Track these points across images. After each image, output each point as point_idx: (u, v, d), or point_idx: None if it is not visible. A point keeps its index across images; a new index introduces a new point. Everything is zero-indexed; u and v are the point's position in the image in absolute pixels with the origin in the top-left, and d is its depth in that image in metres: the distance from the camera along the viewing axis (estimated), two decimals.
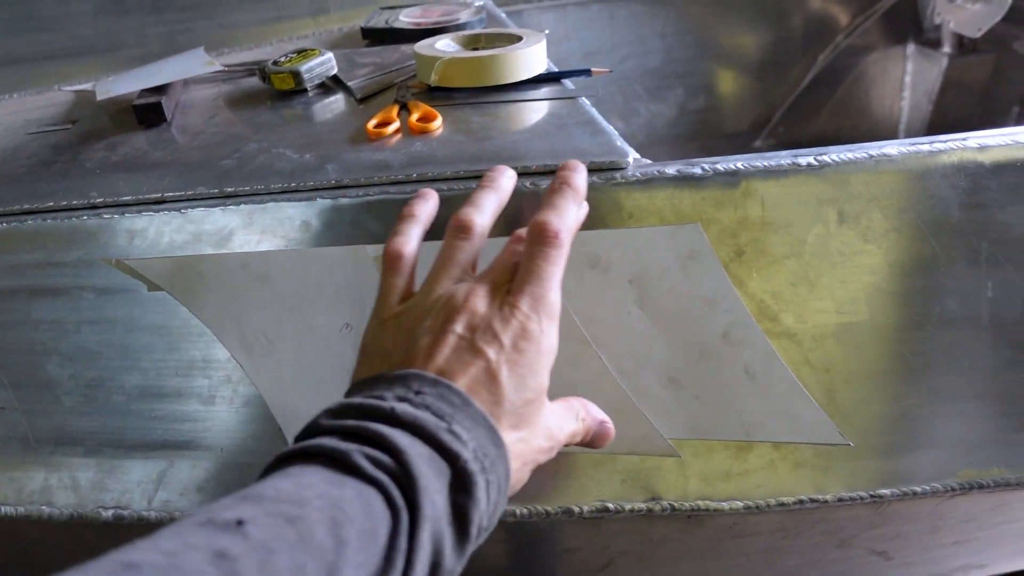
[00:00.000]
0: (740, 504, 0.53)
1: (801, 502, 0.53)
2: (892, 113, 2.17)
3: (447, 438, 0.36)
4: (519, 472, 0.42)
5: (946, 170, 0.55)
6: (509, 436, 0.40)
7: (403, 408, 0.37)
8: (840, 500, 0.53)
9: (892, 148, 0.55)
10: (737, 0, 2.07)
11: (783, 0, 2.09)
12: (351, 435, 0.36)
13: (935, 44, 2.02)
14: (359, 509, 0.32)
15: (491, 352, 0.41)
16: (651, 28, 2.02)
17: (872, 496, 0.54)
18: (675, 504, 0.53)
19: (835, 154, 0.55)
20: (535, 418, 0.42)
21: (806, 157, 0.55)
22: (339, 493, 0.32)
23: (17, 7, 0.89)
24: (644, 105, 2.08)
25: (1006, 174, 0.55)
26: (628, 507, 0.53)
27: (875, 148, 0.55)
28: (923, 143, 0.55)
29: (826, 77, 2.15)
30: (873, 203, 0.55)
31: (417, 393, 0.39)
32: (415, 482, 0.34)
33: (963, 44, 1.98)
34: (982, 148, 0.55)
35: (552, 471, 0.53)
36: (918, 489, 0.54)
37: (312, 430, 0.38)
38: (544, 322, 0.43)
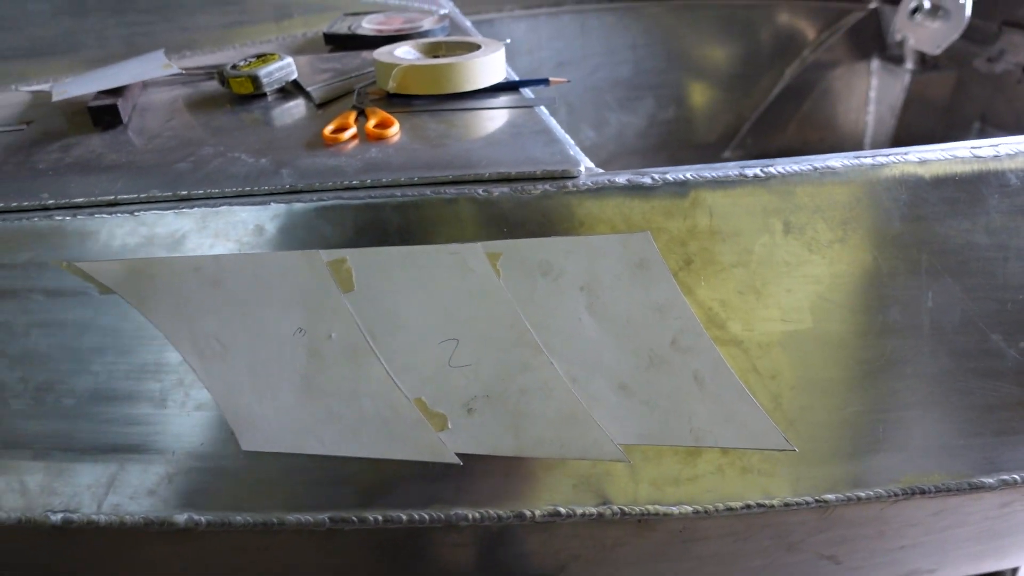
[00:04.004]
0: (690, 509, 0.54)
1: (749, 507, 0.54)
2: (858, 126, 2.22)
3: None
4: None
5: (888, 183, 0.56)
6: None
7: None
8: (787, 505, 0.54)
9: (836, 161, 0.57)
10: (707, 14, 2.11)
11: (751, 15, 2.13)
12: None
13: (898, 60, 2.07)
14: None
15: None
16: (622, 39, 2.04)
17: (818, 501, 0.55)
18: (626, 509, 0.54)
19: (781, 166, 0.56)
20: None
21: (753, 169, 0.56)
22: None
23: None
24: (615, 115, 2.10)
25: (945, 188, 0.57)
26: (579, 511, 0.54)
27: (819, 161, 0.56)
28: (866, 156, 0.57)
29: (793, 90, 2.20)
30: (818, 214, 0.56)
31: None
32: None
33: (925, 61, 2.03)
34: (922, 162, 0.57)
35: (503, 475, 0.54)
36: (863, 494, 0.55)
37: None
38: None
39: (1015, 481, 0.57)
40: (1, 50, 0.88)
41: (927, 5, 1.69)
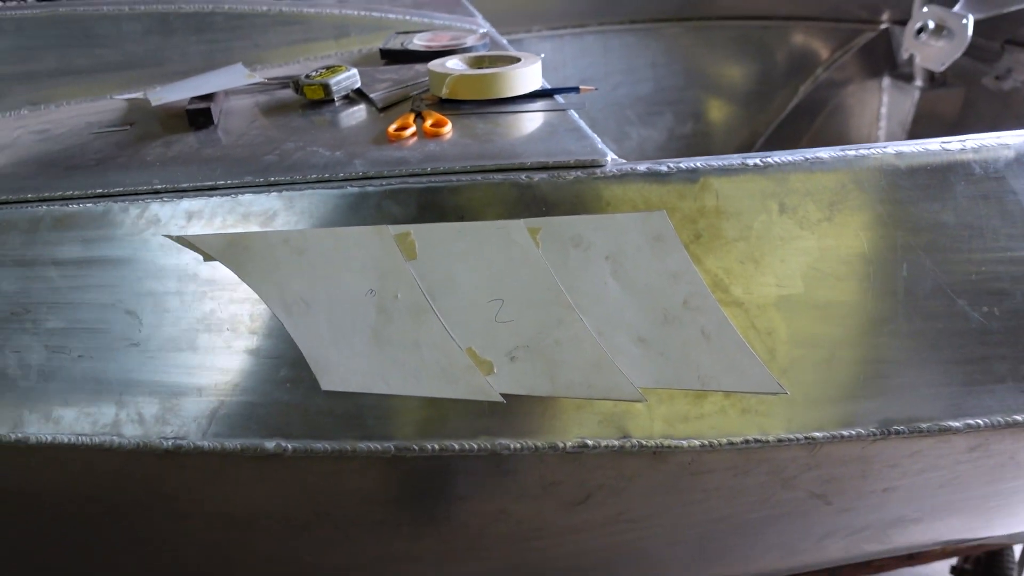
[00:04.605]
0: (697, 443, 0.64)
1: (747, 442, 0.64)
2: (869, 141, 2.31)
3: None
4: None
5: (869, 172, 0.67)
6: None
7: None
8: (780, 440, 0.64)
9: (824, 153, 0.67)
10: (723, 34, 2.22)
11: (766, 35, 2.24)
12: None
13: (908, 78, 2.16)
14: None
15: None
16: (643, 58, 2.16)
17: (807, 438, 0.64)
18: (643, 441, 0.64)
19: (777, 156, 0.66)
20: None
21: (753, 159, 0.66)
22: None
23: (76, 25, 1.01)
24: (635, 129, 2.21)
25: (918, 176, 0.67)
26: (604, 443, 0.64)
27: (810, 152, 0.67)
28: (850, 150, 0.67)
29: (807, 107, 2.30)
30: (808, 197, 0.66)
31: None
32: None
33: (934, 79, 2.12)
34: (898, 154, 0.67)
35: (540, 412, 0.64)
36: (845, 433, 0.64)
37: None
38: None
39: (979, 426, 0.66)
40: (99, 64, 1.01)
41: (931, 25, 1.79)
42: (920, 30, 1.82)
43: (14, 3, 1.01)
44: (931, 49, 1.81)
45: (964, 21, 1.68)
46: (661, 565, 0.83)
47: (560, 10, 2.02)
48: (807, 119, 2.28)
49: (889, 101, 2.28)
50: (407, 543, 0.74)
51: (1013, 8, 1.66)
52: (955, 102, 2.14)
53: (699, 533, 0.76)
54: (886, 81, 2.25)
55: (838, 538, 0.82)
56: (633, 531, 0.74)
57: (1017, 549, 1.94)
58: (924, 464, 0.70)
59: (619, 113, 2.16)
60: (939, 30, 1.78)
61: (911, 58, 1.98)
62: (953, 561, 2.02)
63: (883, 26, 2.19)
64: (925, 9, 1.81)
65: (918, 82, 2.12)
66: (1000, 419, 0.66)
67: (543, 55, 0.90)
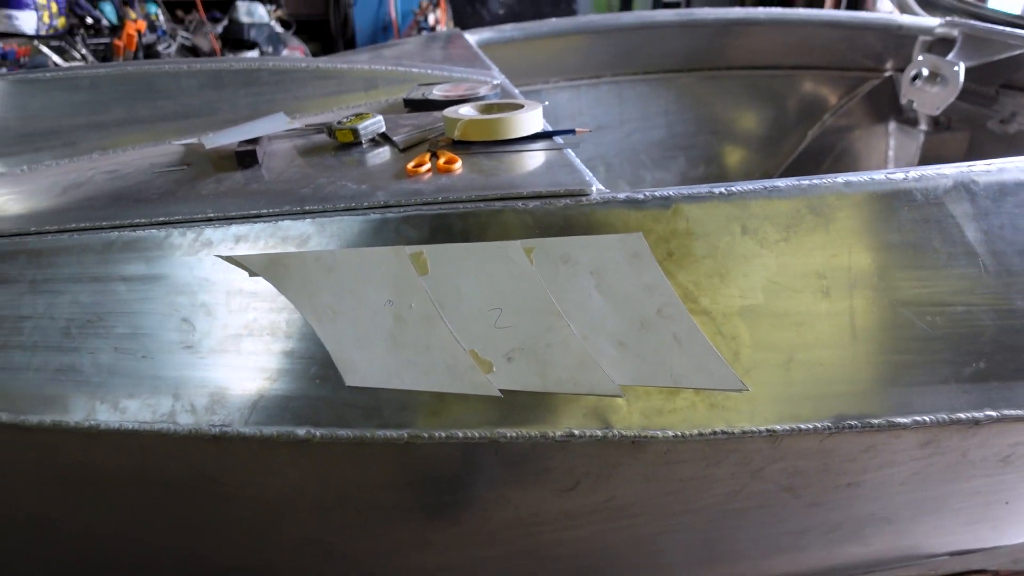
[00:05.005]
0: (671, 433, 0.73)
1: (715, 433, 0.73)
2: None
3: None
4: None
5: (821, 199, 0.76)
6: None
7: None
8: (744, 432, 0.73)
9: (781, 183, 0.77)
10: (733, 83, 2.35)
11: (774, 83, 2.35)
12: None
13: (913, 123, 2.25)
14: None
15: None
16: (655, 106, 2.29)
17: (768, 430, 0.73)
18: (623, 432, 0.73)
19: (740, 186, 0.77)
20: None
21: (719, 188, 0.77)
22: None
23: (142, 81, 1.16)
24: (649, 173, 2.33)
25: (866, 203, 0.76)
26: (588, 433, 0.73)
27: (768, 183, 0.77)
28: (804, 180, 0.77)
29: (815, 151, 2.40)
30: (767, 220, 0.76)
31: None
32: None
33: (938, 123, 2.21)
34: (847, 183, 0.77)
35: (533, 405, 0.73)
36: (802, 426, 0.73)
37: None
38: None
39: (925, 423, 0.74)
40: (160, 114, 1.15)
41: (925, 72, 1.88)
42: (915, 77, 1.92)
43: (88, 63, 1.16)
44: (927, 95, 1.90)
45: (956, 68, 1.78)
46: (653, 557, 0.90)
47: (577, 64, 2.16)
48: (815, 162, 2.38)
49: (896, 144, 2.37)
50: (420, 528, 0.84)
51: (1002, 56, 1.76)
52: (960, 145, 2.23)
53: (682, 524, 0.84)
54: (892, 126, 2.34)
55: (816, 535, 0.90)
56: (621, 519, 0.82)
57: None
58: (881, 460, 0.78)
59: (634, 158, 2.28)
60: (933, 77, 1.88)
61: (909, 102, 2.07)
62: None
63: (887, 74, 2.30)
64: (920, 57, 1.91)
65: (923, 126, 2.21)
66: (945, 416, 0.74)
67: (547, 103, 1.03)
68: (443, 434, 0.74)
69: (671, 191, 0.77)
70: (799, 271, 0.75)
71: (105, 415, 0.77)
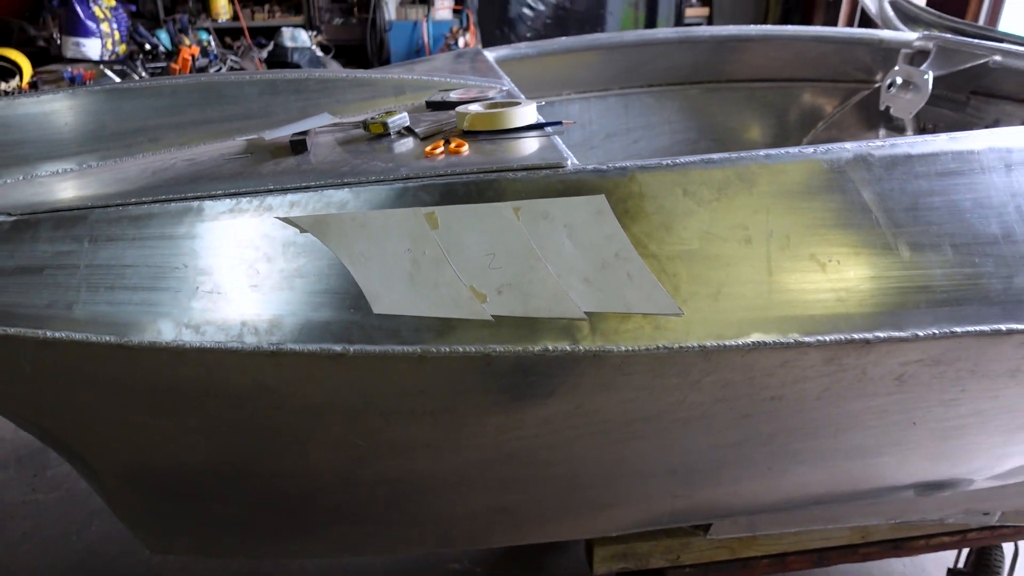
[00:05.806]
0: (624, 348, 0.93)
1: (659, 348, 0.93)
2: None
3: None
4: None
5: (746, 169, 0.97)
6: None
7: None
8: (681, 347, 0.93)
9: (715, 156, 0.98)
10: (733, 95, 2.56)
11: (771, 95, 2.56)
12: None
13: (901, 130, 2.43)
14: None
15: None
16: (659, 116, 2.51)
17: (700, 346, 0.93)
18: (586, 347, 0.94)
19: (683, 159, 0.98)
20: None
21: (666, 160, 0.98)
22: None
23: (212, 89, 1.41)
24: None
25: (781, 172, 0.97)
26: (559, 348, 0.94)
27: (704, 156, 0.98)
28: (733, 156, 0.98)
29: None
30: (703, 185, 0.97)
31: None
32: None
33: (925, 130, 2.39)
34: (767, 155, 0.98)
35: (516, 326, 0.95)
36: (723, 343, 0.93)
37: None
38: None
39: (826, 342, 0.93)
40: (227, 116, 1.40)
41: (899, 80, 2.07)
42: (891, 85, 2.10)
43: (170, 76, 1.41)
44: (900, 101, 2.09)
45: (926, 77, 1.96)
46: (620, 466, 1.10)
47: (587, 77, 2.38)
48: None
49: None
50: (428, 430, 1.05)
51: (968, 65, 1.94)
52: None
53: (639, 432, 1.05)
54: (882, 132, 2.52)
55: (753, 446, 1.09)
56: (591, 425, 1.03)
57: (1007, 547, 2.10)
58: (795, 375, 0.98)
59: None
60: (907, 85, 2.07)
61: (886, 110, 2.26)
62: (950, 563, 2.18)
63: (876, 85, 2.48)
64: (896, 67, 2.10)
65: (909, 133, 2.39)
66: (842, 336, 0.94)
67: (543, 102, 1.25)
68: (447, 349, 0.95)
69: (628, 163, 0.98)
70: (727, 224, 0.96)
71: (188, 336, 1.00)
